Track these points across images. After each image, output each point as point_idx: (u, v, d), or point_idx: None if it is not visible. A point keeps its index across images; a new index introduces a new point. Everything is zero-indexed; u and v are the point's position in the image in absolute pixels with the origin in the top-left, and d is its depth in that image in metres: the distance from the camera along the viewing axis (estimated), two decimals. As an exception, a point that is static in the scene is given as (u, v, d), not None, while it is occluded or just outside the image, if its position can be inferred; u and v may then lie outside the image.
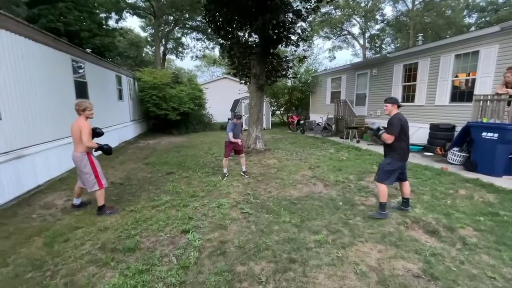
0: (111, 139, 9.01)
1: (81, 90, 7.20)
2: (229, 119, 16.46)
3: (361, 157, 7.02)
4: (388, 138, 3.43)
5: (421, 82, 8.61)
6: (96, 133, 3.80)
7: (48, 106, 5.66)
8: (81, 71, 7.45)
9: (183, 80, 15.84)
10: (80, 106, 3.65)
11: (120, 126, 10.12)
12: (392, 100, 3.48)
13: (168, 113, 12.40)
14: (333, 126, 11.83)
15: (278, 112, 19.40)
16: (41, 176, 5.14)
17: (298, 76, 14.69)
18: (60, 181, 5.47)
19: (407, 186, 3.67)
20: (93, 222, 3.59)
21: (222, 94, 19.82)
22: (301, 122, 13.22)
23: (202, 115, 15.76)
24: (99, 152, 4.58)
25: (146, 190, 4.81)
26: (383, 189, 3.49)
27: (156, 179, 5.48)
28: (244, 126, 15.49)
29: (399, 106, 3.47)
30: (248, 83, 8.71)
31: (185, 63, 52.21)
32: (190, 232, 3.24)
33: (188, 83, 14.77)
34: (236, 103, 15.85)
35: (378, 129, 3.54)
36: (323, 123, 11.90)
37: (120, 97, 10.79)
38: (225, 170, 5.66)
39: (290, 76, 9.16)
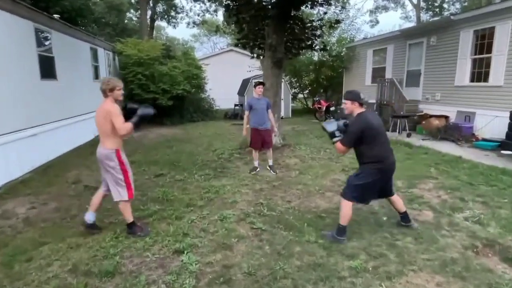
0: (85, 130, 9.25)
1: (47, 67, 7.39)
2: (236, 105, 16.54)
3: (414, 156, 6.87)
4: (340, 149, 3.45)
5: (498, 54, 8.25)
6: (131, 112, 3.48)
7: (6, 88, 5.82)
8: (47, 43, 7.63)
9: (176, 54, 15.97)
10: (108, 84, 3.42)
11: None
12: (351, 96, 3.45)
13: (157, 97, 12.57)
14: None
15: (300, 95, 19.31)
16: (-1, 177, 5.32)
17: (328, 47, 14.45)
18: (23, 183, 5.64)
19: (397, 200, 3.72)
20: (62, 236, 3.67)
21: (227, 72, 19.89)
22: (331, 109, 13.11)
23: (201, 100, 15.88)
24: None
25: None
26: (345, 208, 3.46)
27: (142, 182, 5.58)
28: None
29: (361, 104, 3.41)
30: (261, 57, 8.66)
31: (179, 31, 52.90)
32: (185, 252, 3.27)
33: (183, 58, 14.88)
34: (246, 83, 15.89)
35: (333, 134, 3.48)
36: None
37: (96, 76, 11.02)
38: (256, 163, 6.07)
39: (318, 47, 9.05)
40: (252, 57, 8.95)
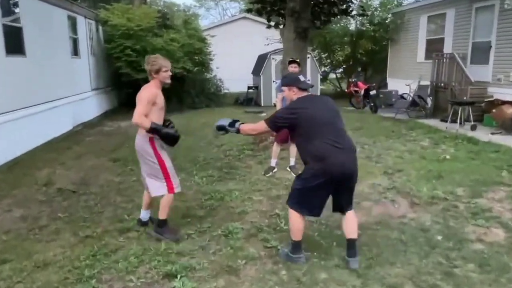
0: (60, 119, 9.41)
1: (13, 41, 7.52)
2: (250, 88, 16.53)
3: (480, 155, 6.68)
4: (254, 129, 3.68)
5: None
6: (166, 132, 3.75)
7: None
8: (13, 9, 7.74)
9: (175, 22, 16.00)
10: (154, 64, 3.65)
11: (76, 99, 10.53)
12: (287, 81, 3.58)
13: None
14: (429, 101, 11.39)
15: (331, 75, 19.10)
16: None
17: (369, 13, 14.15)
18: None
19: (351, 220, 3.48)
20: (27, 252, 3.72)
21: (239, 46, 19.84)
22: (372, 93, 12.92)
23: (206, 81, 15.94)
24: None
25: (112, 204, 4.94)
26: (292, 219, 3.47)
27: (128, 185, 5.62)
28: (274, 99, 15.31)
29: (301, 89, 3.45)
30: (281, 26, 8.55)
31: (180, -6, 52.83)
32: (178, 276, 3.25)
33: (184, 28, 14.90)
34: (263, 60, 15.84)
35: (222, 127, 3.66)
36: (411, 95, 11.65)
37: (75, 52, 11.18)
38: (274, 162, 6.16)
39: (355, 12, 8.86)
40: (269, 27, 8.86)
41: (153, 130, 3.66)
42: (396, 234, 4.00)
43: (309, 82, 3.71)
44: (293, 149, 6.02)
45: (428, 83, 11.83)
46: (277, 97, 6.19)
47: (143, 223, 4.22)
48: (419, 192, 5.10)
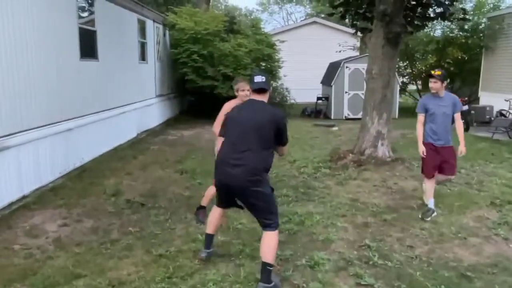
0: (126, 126, 9.76)
1: (87, 44, 7.91)
2: (319, 99, 16.28)
3: None
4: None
5: None
6: None
7: (42, 70, 6.31)
8: (87, 13, 8.17)
9: (241, 27, 16.20)
10: (235, 84, 4.86)
11: (141, 106, 10.91)
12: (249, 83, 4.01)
13: (216, 85, 12.84)
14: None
15: (413, 86, 18.32)
16: (27, 182, 5.76)
17: (469, 17, 13.35)
18: (53, 191, 6.06)
19: (263, 240, 3.46)
20: (101, 269, 3.77)
21: (308, 53, 19.68)
22: (464, 108, 12.07)
23: (272, 90, 15.84)
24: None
25: (183, 221, 4.99)
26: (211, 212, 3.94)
27: (198, 201, 5.55)
28: (346, 112, 14.87)
29: (252, 90, 3.71)
30: (365, 33, 8.29)
31: (242, -1, 54.03)
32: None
33: (251, 33, 14.98)
34: (335, 68, 15.54)
35: None
36: None
37: (143, 56, 11.60)
38: (431, 202, 5.17)
39: (456, 16, 8.35)
40: (355, 33, 8.61)
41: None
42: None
43: (260, 81, 3.61)
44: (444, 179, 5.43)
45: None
46: (418, 120, 5.29)
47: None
48: (538, 229, 4.61)
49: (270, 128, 3.41)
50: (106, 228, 4.74)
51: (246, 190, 3.40)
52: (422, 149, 5.16)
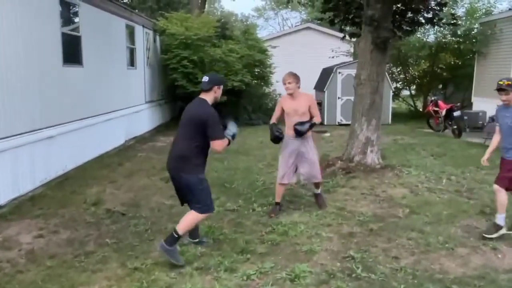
0: (114, 133, 9.63)
1: (71, 50, 7.79)
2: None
3: None
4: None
5: None
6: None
7: (22, 76, 6.18)
8: (73, 18, 8.07)
9: (234, 32, 16.16)
10: None
11: (129, 112, 10.79)
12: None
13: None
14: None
15: (406, 92, 18.35)
16: (4, 191, 5.62)
17: (460, 22, 13.36)
18: (32, 201, 5.93)
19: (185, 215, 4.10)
20: (71, 284, 3.65)
21: (301, 58, 19.60)
22: (456, 114, 12.09)
23: (264, 96, 15.82)
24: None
25: (163, 231, 4.83)
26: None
27: (181, 209, 5.42)
28: (339, 117, 14.83)
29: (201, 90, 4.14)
30: (354, 38, 8.25)
31: (239, 4, 54.18)
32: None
33: (244, 38, 14.94)
34: (327, 74, 15.50)
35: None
36: None
37: (132, 62, 11.50)
38: (502, 219, 4.62)
39: (445, 20, 8.30)
40: (343, 38, 8.55)
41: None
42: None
43: (203, 81, 4.07)
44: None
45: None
46: (495, 131, 5.07)
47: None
48: (528, 239, 4.50)
49: (196, 122, 3.89)
50: (83, 240, 4.60)
51: (175, 176, 4.06)
52: (485, 157, 5.12)
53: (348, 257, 4.17)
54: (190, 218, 3.97)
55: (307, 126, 5.13)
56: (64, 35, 7.40)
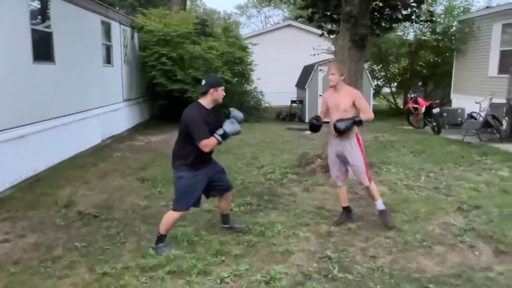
0: (89, 132, 9.40)
1: (42, 46, 7.54)
2: (293, 102, 16.22)
3: None
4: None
5: None
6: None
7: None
8: (42, 15, 7.83)
9: (214, 29, 16.01)
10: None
11: (106, 110, 10.55)
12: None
13: (186, 88, 12.60)
14: (505, 122, 10.51)
15: (386, 89, 18.49)
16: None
17: (436, 19, 13.53)
18: (0, 203, 5.71)
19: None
20: (35, 290, 3.48)
21: (282, 56, 19.61)
22: (435, 111, 12.20)
23: (245, 94, 15.72)
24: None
25: (136, 233, 4.73)
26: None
27: (156, 211, 5.39)
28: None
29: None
30: (333, 35, 8.22)
31: (221, 2, 54.01)
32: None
33: (224, 35, 14.83)
34: (308, 71, 15.51)
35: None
36: (482, 114, 11.03)
37: (108, 60, 11.26)
38: None
39: (423, 18, 8.32)
40: (322, 34, 8.49)
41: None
42: None
43: (202, 84, 4.21)
44: None
45: (502, 100, 10.98)
46: None
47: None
48: (505, 236, 4.50)
49: (182, 124, 4.11)
50: (51, 244, 4.42)
51: (173, 172, 4.27)
52: None
53: (325, 257, 4.10)
54: (166, 215, 4.23)
55: (347, 123, 4.62)
56: (34, 31, 7.16)
